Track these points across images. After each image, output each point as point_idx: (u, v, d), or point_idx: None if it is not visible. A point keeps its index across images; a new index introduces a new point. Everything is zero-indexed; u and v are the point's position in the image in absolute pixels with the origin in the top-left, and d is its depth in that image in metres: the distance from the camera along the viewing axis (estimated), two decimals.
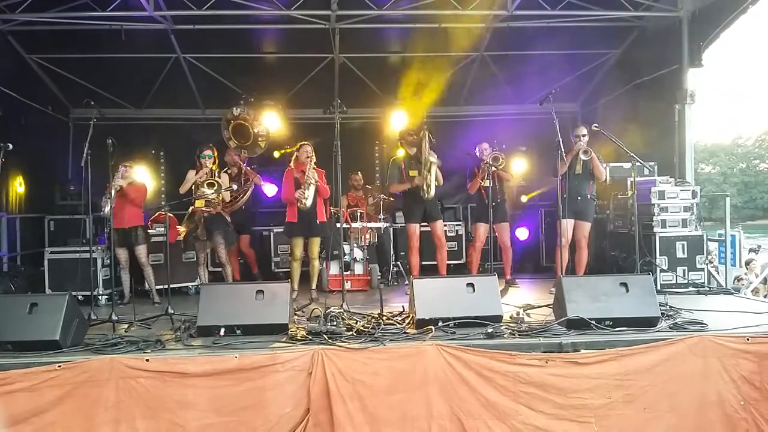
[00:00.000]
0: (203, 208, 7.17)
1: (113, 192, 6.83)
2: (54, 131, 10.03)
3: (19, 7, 7.84)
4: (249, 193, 8.32)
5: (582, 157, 7.21)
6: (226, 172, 7.84)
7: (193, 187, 7.18)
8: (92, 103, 6.25)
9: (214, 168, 7.27)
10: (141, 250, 7.31)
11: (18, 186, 8.76)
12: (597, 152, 7.57)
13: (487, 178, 7.60)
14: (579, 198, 7.36)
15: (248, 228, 8.75)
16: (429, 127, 7.78)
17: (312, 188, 7.10)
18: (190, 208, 7.26)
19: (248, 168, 8.43)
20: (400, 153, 8.05)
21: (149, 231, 7.57)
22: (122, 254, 7.29)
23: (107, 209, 6.90)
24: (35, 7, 7.87)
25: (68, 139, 10.32)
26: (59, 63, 9.50)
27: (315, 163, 7.26)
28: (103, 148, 5.99)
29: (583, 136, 7.33)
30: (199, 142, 7.65)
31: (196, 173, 7.22)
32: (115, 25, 8.42)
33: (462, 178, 8.33)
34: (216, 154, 7.38)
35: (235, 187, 7.71)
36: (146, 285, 7.49)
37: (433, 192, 7.43)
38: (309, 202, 7.10)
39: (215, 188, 7.06)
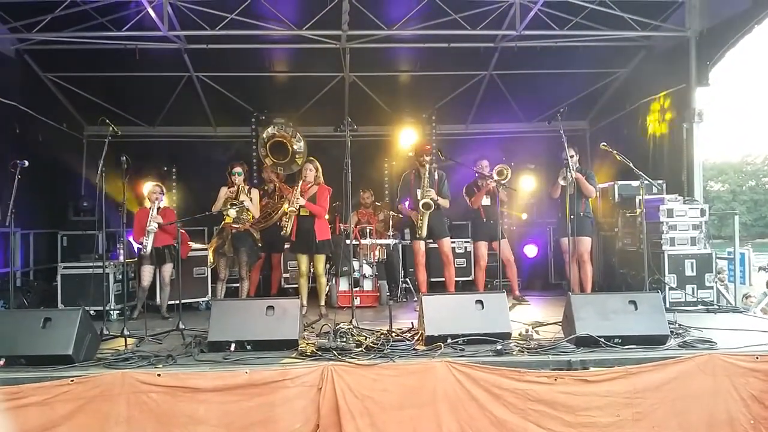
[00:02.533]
0: (232, 225, 7.28)
1: (151, 237, 7.10)
2: (68, 148, 10.18)
3: (36, 27, 8.01)
4: (282, 209, 8.40)
5: (561, 182, 7.30)
6: (263, 188, 7.95)
7: (222, 202, 7.30)
8: (107, 120, 6.36)
9: (243, 185, 7.37)
10: (167, 269, 7.39)
11: (32, 202, 8.86)
12: (591, 170, 7.72)
13: (486, 195, 7.75)
14: (572, 216, 7.38)
15: (282, 245, 8.82)
16: (432, 144, 7.85)
17: (292, 218, 7.15)
18: (222, 224, 7.38)
19: (284, 184, 8.54)
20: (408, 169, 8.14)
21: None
22: (149, 272, 7.36)
23: (149, 249, 7.15)
24: (51, 27, 8.05)
25: (82, 155, 10.47)
26: (74, 81, 9.67)
27: (321, 179, 7.34)
28: (115, 165, 6.08)
29: (571, 157, 7.36)
30: (210, 159, 7.77)
31: (228, 189, 7.34)
32: (129, 44, 8.56)
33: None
34: (246, 170, 7.49)
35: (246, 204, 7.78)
36: (157, 300, 7.55)
37: (425, 233, 7.53)
38: (288, 230, 7.17)
39: (237, 209, 7.16)
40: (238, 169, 7.39)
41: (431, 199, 7.43)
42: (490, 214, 7.94)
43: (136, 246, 7.45)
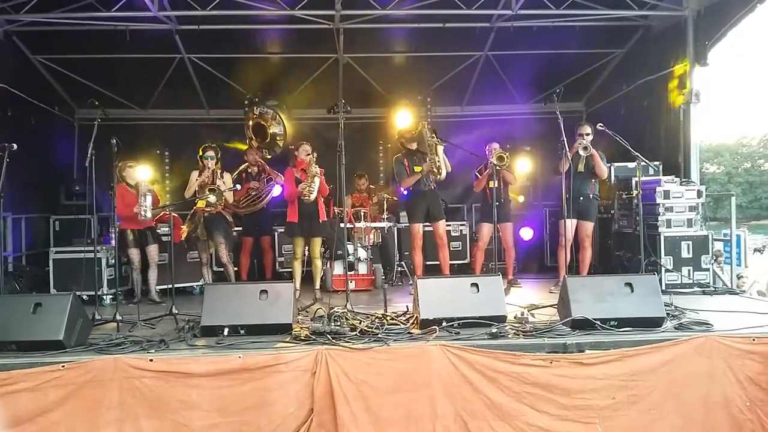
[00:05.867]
0: (204, 208, 7.19)
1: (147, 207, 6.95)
2: (59, 131, 10.06)
3: (24, 8, 7.86)
4: (271, 193, 8.34)
5: (582, 153, 7.18)
6: (246, 171, 7.88)
7: (197, 188, 7.20)
8: (97, 103, 6.26)
9: (216, 168, 7.27)
10: (153, 249, 7.31)
11: (23, 186, 8.77)
12: (601, 151, 7.56)
13: (494, 179, 7.61)
14: (581, 198, 7.34)
15: (270, 228, 8.73)
16: (428, 124, 7.82)
17: (317, 180, 7.10)
18: (193, 208, 7.28)
19: (270, 168, 8.46)
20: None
21: (157, 231, 7.55)
22: (136, 254, 7.30)
23: (149, 214, 7.02)
24: (40, 8, 7.88)
25: (73, 139, 10.35)
26: (64, 63, 9.52)
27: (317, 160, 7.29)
28: (107, 148, 6.00)
29: (587, 135, 7.31)
30: (203, 142, 7.69)
31: (199, 174, 7.24)
32: (119, 25, 8.42)
33: (470, 180, 8.34)
34: (219, 154, 7.38)
35: (239, 187, 7.72)
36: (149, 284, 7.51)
37: (444, 173, 7.40)
38: (313, 195, 7.11)
39: (216, 194, 7.08)
40: (210, 153, 7.26)
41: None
42: (496, 197, 7.89)
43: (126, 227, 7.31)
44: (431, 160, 7.38)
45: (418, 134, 7.60)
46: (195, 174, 7.28)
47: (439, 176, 7.39)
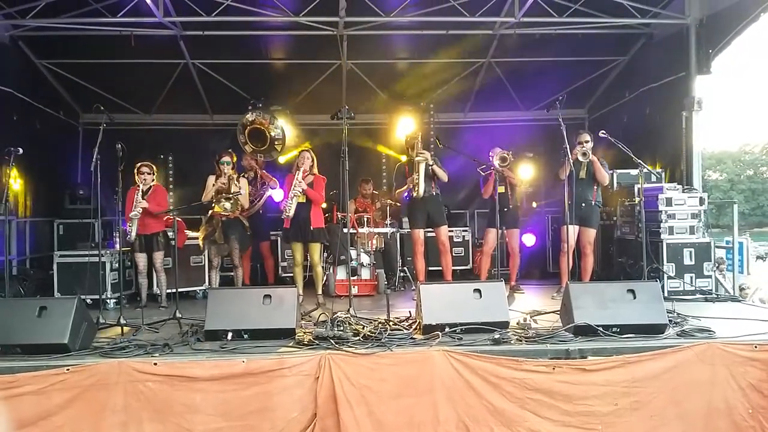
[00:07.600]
0: (222, 213, 7.22)
1: (135, 222, 6.97)
2: (64, 136, 10.12)
3: (30, 13, 7.91)
4: (265, 197, 8.36)
5: (581, 159, 7.20)
6: (243, 176, 7.91)
7: (214, 192, 7.23)
8: (102, 108, 6.30)
9: (232, 173, 7.30)
10: (158, 256, 7.31)
11: (28, 190, 8.81)
12: (603, 158, 7.58)
13: (500, 184, 7.63)
14: (584, 204, 7.34)
15: (267, 234, 8.71)
16: (429, 132, 7.80)
17: (295, 200, 7.15)
18: (210, 212, 7.31)
19: (264, 171, 8.48)
20: (404, 158, 8.12)
21: (169, 236, 7.57)
22: (142, 259, 7.31)
23: (133, 235, 7.04)
24: (46, 13, 7.95)
25: (78, 143, 10.40)
26: (70, 68, 9.58)
27: (316, 170, 7.33)
28: (112, 153, 6.04)
29: (586, 142, 7.31)
30: (207, 147, 7.70)
31: (216, 179, 7.27)
32: (125, 31, 8.47)
33: (473, 186, 8.36)
34: (234, 159, 7.42)
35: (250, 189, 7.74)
36: (154, 289, 7.53)
37: (422, 191, 7.51)
38: (291, 212, 7.16)
39: (232, 201, 7.10)
40: (226, 159, 7.26)
41: (425, 158, 7.46)
42: (504, 203, 7.89)
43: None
44: (410, 178, 7.54)
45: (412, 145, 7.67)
46: (212, 179, 7.29)
47: (416, 193, 7.52)
